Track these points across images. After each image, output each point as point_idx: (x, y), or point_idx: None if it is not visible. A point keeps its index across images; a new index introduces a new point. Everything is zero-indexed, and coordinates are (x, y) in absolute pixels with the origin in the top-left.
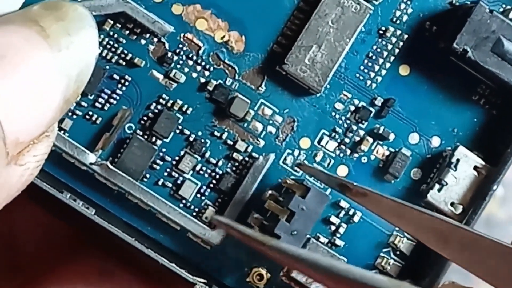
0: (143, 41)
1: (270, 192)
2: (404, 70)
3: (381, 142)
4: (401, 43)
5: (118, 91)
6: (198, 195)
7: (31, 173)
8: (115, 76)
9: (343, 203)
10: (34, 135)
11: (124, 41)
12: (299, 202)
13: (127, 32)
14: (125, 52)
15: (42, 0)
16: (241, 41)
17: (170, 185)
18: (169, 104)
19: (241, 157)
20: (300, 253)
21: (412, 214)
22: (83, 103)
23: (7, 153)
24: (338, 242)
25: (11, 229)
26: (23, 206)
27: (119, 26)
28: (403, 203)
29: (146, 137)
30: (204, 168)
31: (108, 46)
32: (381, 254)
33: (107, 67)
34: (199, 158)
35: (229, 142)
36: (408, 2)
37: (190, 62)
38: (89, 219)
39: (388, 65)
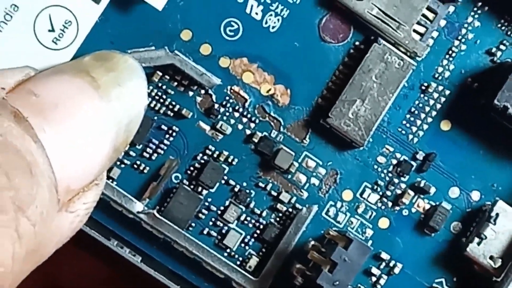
0: (190, 93)
1: (312, 242)
2: (445, 125)
3: (422, 196)
4: (443, 99)
5: (165, 142)
6: (242, 245)
7: (80, 220)
8: (163, 126)
9: (384, 255)
10: (84, 183)
11: (172, 93)
12: (342, 253)
13: (175, 83)
14: (173, 103)
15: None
16: (286, 94)
17: (215, 234)
18: (215, 155)
19: (284, 208)
20: None
21: None
22: (131, 153)
23: (59, 200)
24: None
25: (57, 273)
26: (69, 251)
27: (168, 77)
28: None
29: (192, 187)
30: (248, 218)
31: (157, 97)
32: None
33: (155, 117)
34: (244, 209)
35: (273, 193)
36: (450, 59)
37: (236, 114)
38: (134, 265)
39: (430, 120)
